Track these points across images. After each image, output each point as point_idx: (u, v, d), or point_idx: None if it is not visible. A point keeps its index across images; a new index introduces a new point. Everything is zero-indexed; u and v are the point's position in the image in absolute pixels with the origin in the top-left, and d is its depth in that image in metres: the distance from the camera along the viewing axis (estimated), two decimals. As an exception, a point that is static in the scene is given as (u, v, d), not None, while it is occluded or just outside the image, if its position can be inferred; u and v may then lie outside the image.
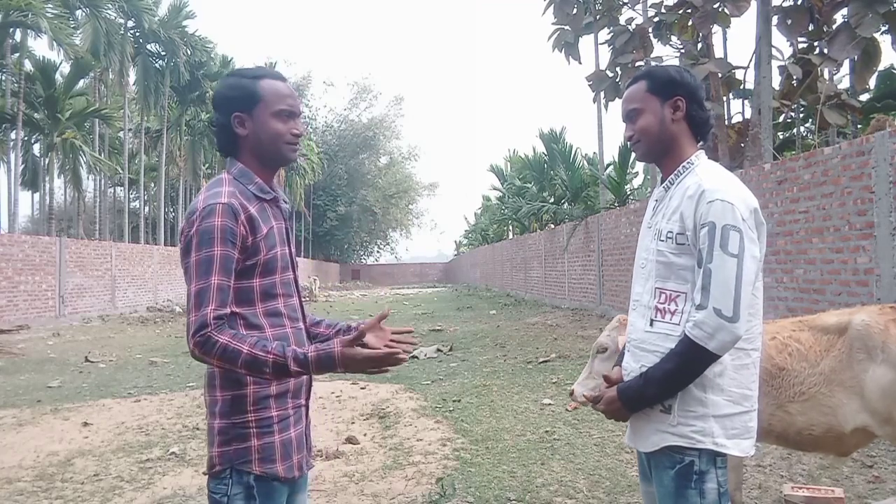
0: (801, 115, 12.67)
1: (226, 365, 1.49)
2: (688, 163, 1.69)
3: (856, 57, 10.34)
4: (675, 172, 1.70)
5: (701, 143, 1.74)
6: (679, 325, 1.60)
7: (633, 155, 1.84)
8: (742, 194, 1.58)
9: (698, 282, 1.53)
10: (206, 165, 32.50)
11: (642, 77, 1.74)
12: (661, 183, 1.76)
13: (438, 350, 9.78)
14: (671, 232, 1.63)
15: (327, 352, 1.51)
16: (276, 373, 1.49)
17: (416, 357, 9.30)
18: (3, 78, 19.25)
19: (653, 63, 11.47)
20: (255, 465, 1.55)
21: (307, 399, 1.73)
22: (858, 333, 2.47)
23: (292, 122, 1.65)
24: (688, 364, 1.52)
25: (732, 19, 11.05)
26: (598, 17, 14.46)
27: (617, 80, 13.41)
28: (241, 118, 1.62)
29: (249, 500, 1.55)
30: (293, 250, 1.76)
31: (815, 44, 10.53)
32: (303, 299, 1.78)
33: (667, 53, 13.40)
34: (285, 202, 1.78)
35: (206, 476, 1.62)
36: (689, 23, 11.32)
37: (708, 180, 1.60)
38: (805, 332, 2.63)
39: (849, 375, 2.47)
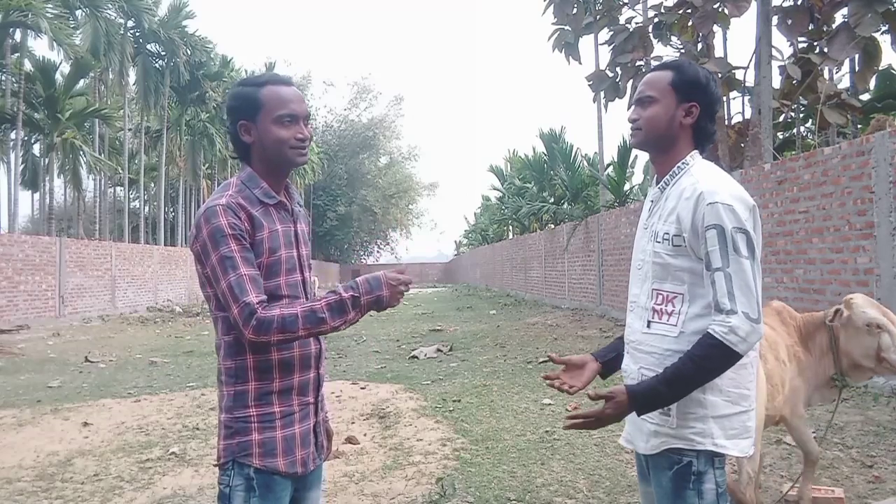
0: (801, 115, 12.67)
1: (287, 335, 1.54)
2: (683, 163, 1.69)
3: (856, 57, 10.35)
4: (671, 173, 1.70)
5: (697, 151, 1.73)
6: (676, 325, 1.59)
7: (631, 140, 1.82)
8: (740, 194, 1.58)
9: (720, 286, 1.51)
10: (206, 165, 32.51)
11: (671, 68, 1.71)
12: (657, 183, 1.75)
13: (438, 350, 9.78)
14: (667, 233, 1.63)
15: (373, 275, 1.63)
16: (334, 314, 1.56)
17: (416, 357, 9.30)
18: (3, 78, 19.23)
19: (653, 63, 11.47)
20: (256, 459, 1.60)
21: (316, 397, 1.75)
22: None
23: (296, 126, 1.67)
24: (715, 366, 1.51)
25: (732, 19, 11.05)
26: (598, 17, 14.48)
27: (617, 80, 13.42)
28: (246, 126, 1.67)
29: (249, 492, 1.59)
30: (304, 252, 1.78)
31: (815, 44, 10.53)
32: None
33: (667, 53, 13.37)
34: (299, 205, 1.82)
35: (216, 468, 1.68)
36: (689, 23, 11.33)
37: (704, 181, 1.59)
38: None
39: None
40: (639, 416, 1.59)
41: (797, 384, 3.07)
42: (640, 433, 1.68)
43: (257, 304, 1.52)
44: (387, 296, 1.60)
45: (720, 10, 10.62)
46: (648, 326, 1.66)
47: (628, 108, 1.84)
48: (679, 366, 1.53)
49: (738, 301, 1.49)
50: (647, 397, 1.55)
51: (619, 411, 1.56)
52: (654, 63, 11.00)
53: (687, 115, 1.67)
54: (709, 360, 1.51)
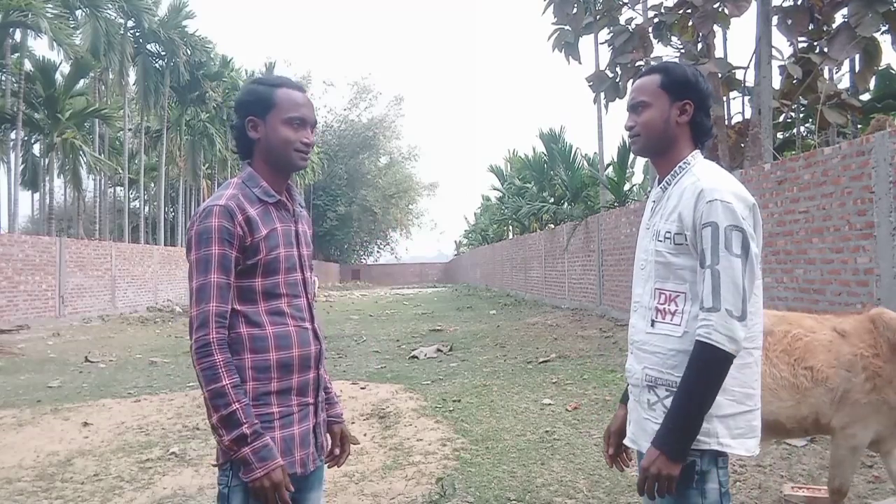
0: (801, 115, 12.66)
1: (201, 377, 1.55)
2: (684, 163, 1.69)
3: (856, 57, 10.34)
4: (672, 173, 1.70)
5: (698, 149, 1.74)
6: (680, 325, 1.59)
7: (631, 148, 1.83)
8: (740, 192, 1.59)
9: (706, 283, 1.52)
10: (206, 165, 32.50)
11: (658, 71, 1.72)
12: (658, 183, 1.76)
13: (438, 350, 9.78)
14: (669, 232, 1.63)
15: (276, 460, 1.55)
16: (221, 421, 1.52)
17: (416, 357, 9.30)
18: (3, 78, 19.21)
19: (653, 63, 11.45)
20: None
21: (315, 398, 1.76)
22: None
23: (304, 130, 1.71)
24: (712, 370, 1.49)
25: (732, 19, 11.04)
26: (598, 17, 14.46)
27: (617, 80, 13.40)
28: (255, 122, 1.69)
29: (248, 492, 1.59)
30: (305, 252, 1.79)
31: (815, 44, 10.52)
32: (313, 300, 1.80)
33: (667, 53, 13.36)
34: (301, 206, 1.83)
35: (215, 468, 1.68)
36: (689, 23, 11.32)
37: (705, 180, 1.60)
38: None
39: None
40: (680, 458, 1.51)
41: (864, 400, 2.72)
42: (644, 433, 1.67)
43: (216, 316, 1.55)
44: (259, 475, 1.52)
45: (720, 10, 10.60)
46: (652, 326, 1.65)
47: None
48: (681, 385, 1.52)
49: (722, 298, 1.49)
50: (670, 435, 1.52)
51: (662, 467, 1.51)
52: (654, 63, 11.02)
53: (682, 114, 1.68)
54: (703, 366, 1.49)
